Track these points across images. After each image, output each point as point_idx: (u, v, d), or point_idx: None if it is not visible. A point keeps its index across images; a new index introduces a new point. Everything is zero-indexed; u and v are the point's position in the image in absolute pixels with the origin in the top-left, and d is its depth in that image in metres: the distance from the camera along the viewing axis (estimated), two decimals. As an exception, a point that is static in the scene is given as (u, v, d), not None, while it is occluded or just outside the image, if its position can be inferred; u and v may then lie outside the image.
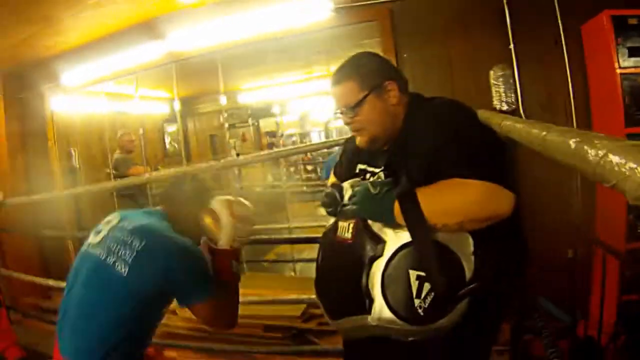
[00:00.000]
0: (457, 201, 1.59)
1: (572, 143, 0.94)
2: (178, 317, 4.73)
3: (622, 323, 3.42)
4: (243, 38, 5.08)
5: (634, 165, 0.73)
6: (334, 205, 1.87)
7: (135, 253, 2.05)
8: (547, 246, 3.42)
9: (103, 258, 2.09)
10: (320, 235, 2.01)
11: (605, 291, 3.24)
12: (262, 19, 4.78)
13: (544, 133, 1.14)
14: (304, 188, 10.78)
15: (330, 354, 3.92)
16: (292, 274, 6.79)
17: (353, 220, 1.76)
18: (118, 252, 2.08)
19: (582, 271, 3.79)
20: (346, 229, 1.78)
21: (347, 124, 2.00)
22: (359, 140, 2.00)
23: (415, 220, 1.59)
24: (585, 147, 0.88)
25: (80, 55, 5.81)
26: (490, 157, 1.66)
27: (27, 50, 5.64)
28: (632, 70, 3.58)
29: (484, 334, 1.84)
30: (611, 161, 0.79)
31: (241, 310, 4.40)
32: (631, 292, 3.48)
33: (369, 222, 1.72)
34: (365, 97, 1.88)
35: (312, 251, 5.90)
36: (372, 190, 1.68)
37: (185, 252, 2.12)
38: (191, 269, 2.11)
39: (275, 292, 4.60)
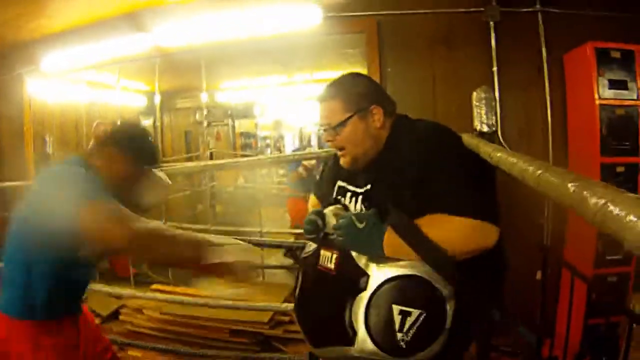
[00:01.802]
0: (444, 237, 1.63)
1: (570, 187, 0.97)
2: (144, 316, 4.71)
3: (587, 344, 3.50)
4: (228, 38, 5.06)
5: (634, 219, 0.76)
6: (315, 233, 1.89)
7: (30, 192, 2.16)
8: (516, 266, 3.47)
9: (17, 209, 2.15)
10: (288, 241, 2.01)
11: (572, 313, 3.28)
12: (250, 20, 4.77)
13: (540, 172, 1.17)
14: (275, 191, 10.76)
15: (296, 362, 3.95)
16: (260, 279, 6.79)
17: (336, 252, 1.78)
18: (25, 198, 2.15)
19: (549, 292, 3.84)
20: (329, 258, 1.80)
21: (328, 141, 2.02)
22: (342, 161, 2.02)
23: (422, 243, 1.62)
24: (585, 193, 0.91)
25: (63, 40, 5.73)
26: (475, 190, 1.70)
27: (10, 31, 5.55)
28: (612, 101, 3.67)
29: (459, 357, 1.89)
30: (611, 211, 0.82)
31: (208, 313, 4.41)
32: (597, 315, 3.53)
33: (353, 254, 1.73)
34: (348, 118, 1.91)
35: (281, 258, 5.87)
36: (357, 224, 1.70)
37: (61, 173, 2.06)
38: (61, 185, 1.96)
39: (243, 297, 4.60)
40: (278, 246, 5.24)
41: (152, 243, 1.80)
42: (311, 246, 1.95)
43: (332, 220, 1.84)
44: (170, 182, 2.39)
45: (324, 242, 1.86)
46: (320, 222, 1.88)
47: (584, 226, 3.70)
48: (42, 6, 4.86)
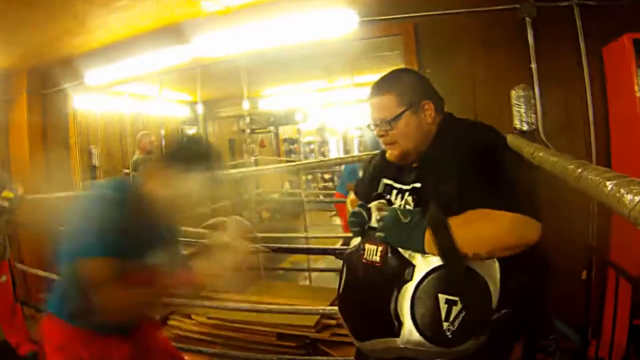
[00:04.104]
0: (487, 232, 1.64)
1: (608, 184, 0.99)
2: (191, 321, 4.76)
3: (633, 346, 3.44)
4: (267, 46, 5.11)
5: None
6: (361, 226, 1.90)
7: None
8: (562, 267, 3.44)
9: None
10: (334, 246, 2.04)
11: (617, 314, 3.25)
12: (287, 27, 4.81)
13: (580, 170, 1.18)
14: (320, 197, 10.78)
15: (343, 365, 3.96)
16: (307, 282, 6.81)
17: (382, 244, 1.78)
18: None
19: (595, 293, 3.80)
20: (374, 252, 1.80)
21: (380, 136, 2.03)
22: (389, 154, 2.04)
23: (447, 249, 1.63)
24: (622, 191, 0.92)
25: (105, 54, 5.85)
26: (518, 187, 1.70)
27: (54, 48, 5.69)
28: (652, 93, 3.60)
29: (504, 354, 1.89)
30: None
31: (256, 318, 4.44)
32: (643, 316, 3.48)
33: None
34: (402, 112, 1.93)
35: (327, 261, 5.89)
36: (402, 218, 1.72)
37: (93, 203, 2.14)
38: (87, 217, 2.07)
39: (290, 301, 4.62)
40: (323, 252, 5.25)
41: (119, 307, 2.00)
42: (355, 241, 1.96)
43: (376, 214, 1.85)
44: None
45: (369, 236, 1.86)
46: (365, 214, 1.90)
47: (629, 226, 3.63)
48: (83, 22, 4.96)
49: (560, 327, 3.80)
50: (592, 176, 1.10)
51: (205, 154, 2.31)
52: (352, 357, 2.23)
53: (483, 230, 1.65)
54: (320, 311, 4.16)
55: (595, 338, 3.66)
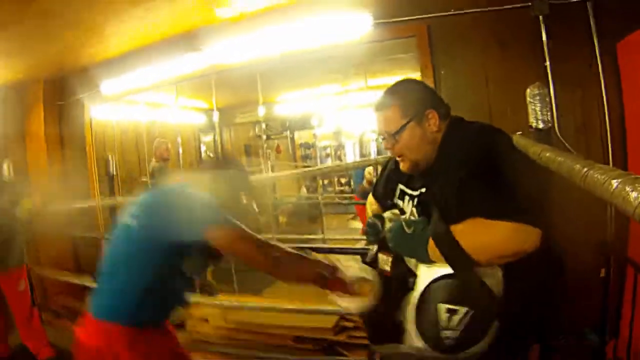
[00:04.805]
0: (485, 241, 1.66)
1: (613, 183, 0.99)
2: (209, 325, 4.78)
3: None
4: (282, 51, 5.13)
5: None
6: (375, 236, 1.93)
7: (143, 206, 2.32)
8: (580, 265, 3.42)
9: (124, 222, 2.33)
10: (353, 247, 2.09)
11: (636, 313, 3.22)
12: (301, 32, 4.83)
13: (586, 169, 1.18)
14: (336, 200, 10.79)
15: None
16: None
17: (392, 255, 1.86)
18: (133, 212, 2.32)
19: (614, 291, 3.77)
20: (386, 261, 1.87)
21: (387, 149, 2.06)
22: (402, 166, 2.07)
23: (456, 257, 1.66)
24: (627, 189, 0.92)
25: (120, 64, 5.91)
26: (520, 193, 1.69)
27: (69, 57, 5.76)
28: (668, 88, 3.55)
29: (512, 356, 1.89)
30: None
31: (273, 320, 4.47)
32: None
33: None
34: (405, 124, 1.95)
35: (347, 263, 5.91)
36: (406, 230, 1.75)
37: (185, 194, 2.26)
38: (190, 204, 2.20)
39: (308, 303, 4.63)
40: (344, 252, 5.25)
41: (289, 267, 2.20)
42: (372, 250, 1.99)
43: (387, 225, 1.87)
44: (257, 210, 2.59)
45: (383, 245, 1.91)
46: (379, 225, 1.92)
47: (647, 223, 3.59)
48: (99, 32, 5.01)
49: (578, 327, 3.78)
50: (597, 175, 1.11)
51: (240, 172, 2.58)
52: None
53: (481, 239, 1.67)
54: (339, 312, 4.15)
55: (613, 337, 3.63)
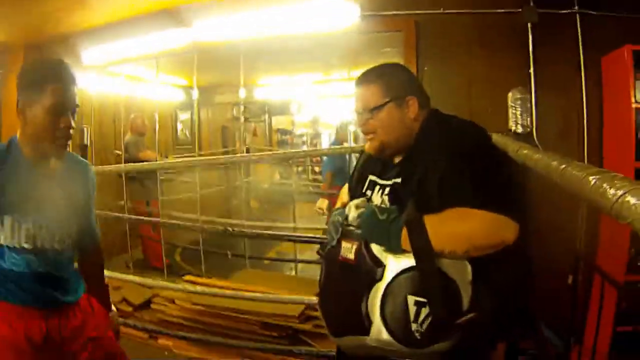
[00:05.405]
0: (463, 230, 1.65)
1: (591, 179, 0.99)
2: (175, 306, 4.76)
3: (615, 353, 3.45)
4: (267, 34, 5.09)
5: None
6: (337, 227, 1.89)
7: None
8: (549, 270, 3.46)
9: None
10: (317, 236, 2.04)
11: (601, 320, 3.25)
12: (288, 17, 4.80)
13: (563, 166, 1.18)
14: (310, 188, 10.78)
15: (324, 357, 3.96)
16: (293, 273, 6.81)
17: (357, 242, 1.78)
18: None
19: (580, 298, 3.81)
20: (349, 249, 1.80)
21: (360, 125, 2.04)
22: (368, 146, 2.05)
23: (421, 247, 1.63)
24: (605, 185, 0.92)
25: (102, 34, 5.81)
26: (497, 186, 1.70)
27: (49, 24, 5.63)
28: (648, 106, 3.60)
29: (481, 355, 1.90)
30: (629, 201, 0.83)
31: (239, 305, 4.46)
32: (626, 323, 3.49)
33: (372, 245, 1.74)
34: (385, 103, 1.93)
35: (314, 252, 5.93)
36: (379, 216, 1.73)
37: None
38: None
39: (275, 291, 4.62)
40: (308, 241, 5.26)
41: None
42: (334, 238, 1.96)
43: (353, 212, 1.85)
44: None
45: (346, 234, 1.86)
46: (341, 219, 1.89)
47: (616, 231, 3.65)
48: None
49: (544, 331, 3.81)
50: (575, 172, 1.11)
51: None
52: (333, 350, 2.25)
53: (459, 229, 1.65)
54: (306, 301, 4.15)
55: (578, 344, 3.67)
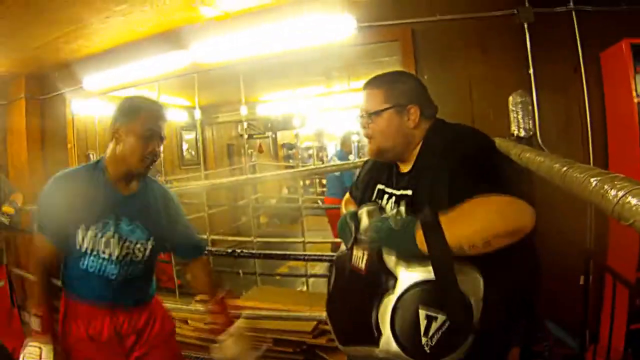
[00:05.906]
0: (480, 216, 1.57)
1: (592, 181, 0.99)
2: (188, 326, 4.76)
3: (631, 351, 3.43)
4: (265, 51, 5.11)
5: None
6: (349, 234, 1.90)
7: None
8: (560, 272, 3.44)
9: None
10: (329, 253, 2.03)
11: (615, 319, 3.23)
12: (286, 33, 4.81)
13: (565, 168, 1.18)
14: (319, 202, 10.77)
15: (339, 371, 3.95)
16: (304, 288, 6.80)
17: (367, 251, 1.78)
18: None
19: (593, 298, 3.78)
20: (361, 258, 1.80)
21: (362, 127, 2.09)
22: (368, 149, 2.10)
23: (439, 251, 1.60)
24: (606, 187, 0.92)
25: (103, 60, 5.86)
26: (508, 177, 1.69)
27: (52, 52, 5.70)
28: (650, 99, 3.59)
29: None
30: (630, 202, 0.83)
31: (253, 324, 4.44)
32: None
33: (384, 255, 1.73)
34: (385, 109, 1.97)
35: (325, 266, 5.91)
36: (394, 227, 1.69)
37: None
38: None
39: (287, 307, 4.61)
40: (318, 260, 5.24)
41: None
42: (347, 246, 1.95)
43: (365, 220, 1.84)
44: None
45: (357, 241, 1.86)
46: (353, 224, 1.89)
47: (626, 230, 3.62)
48: (82, 27, 4.97)
49: (558, 333, 3.79)
50: (577, 174, 1.10)
51: None
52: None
53: (476, 216, 1.59)
54: (317, 317, 4.14)
55: (592, 343, 3.64)
